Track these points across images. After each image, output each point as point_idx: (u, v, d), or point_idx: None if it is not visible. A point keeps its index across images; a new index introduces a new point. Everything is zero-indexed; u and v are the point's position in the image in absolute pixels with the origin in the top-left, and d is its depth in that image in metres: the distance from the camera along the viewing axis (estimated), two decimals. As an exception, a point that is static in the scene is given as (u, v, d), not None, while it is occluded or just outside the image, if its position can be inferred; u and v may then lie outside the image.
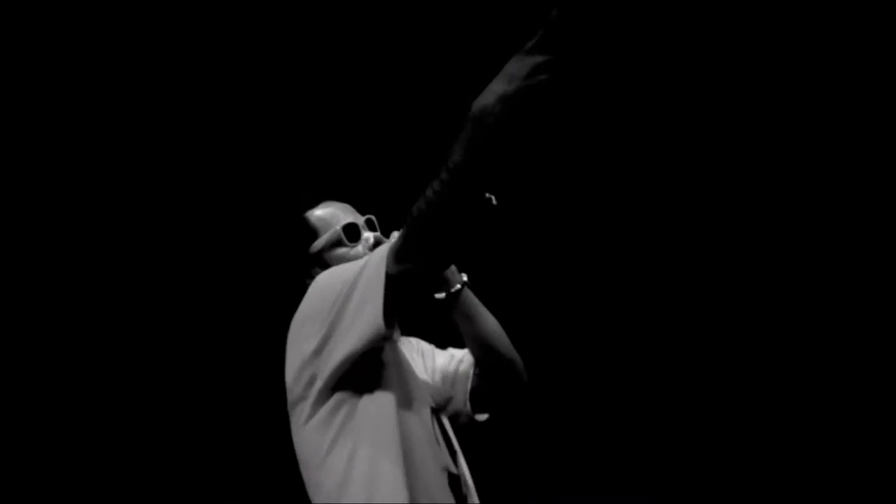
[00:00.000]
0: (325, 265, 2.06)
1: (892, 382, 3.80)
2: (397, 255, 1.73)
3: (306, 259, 2.10)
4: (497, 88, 1.57)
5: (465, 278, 2.09)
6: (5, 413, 3.73)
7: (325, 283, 1.88)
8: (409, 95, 3.97)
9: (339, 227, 2.09)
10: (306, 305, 1.88)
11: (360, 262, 1.84)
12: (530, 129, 1.65)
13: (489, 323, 2.09)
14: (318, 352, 1.80)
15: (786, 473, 3.87)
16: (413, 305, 1.87)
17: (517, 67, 1.56)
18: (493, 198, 1.82)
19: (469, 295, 2.08)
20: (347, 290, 1.78)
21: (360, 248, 2.07)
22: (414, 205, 1.70)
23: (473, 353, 2.11)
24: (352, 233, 2.09)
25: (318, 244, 2.08)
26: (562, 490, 3.95)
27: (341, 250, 2.08)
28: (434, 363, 2.19)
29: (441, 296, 2.06)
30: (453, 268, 2.05)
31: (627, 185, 4.13)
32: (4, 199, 3.72)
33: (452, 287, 2.06)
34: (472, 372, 2.13)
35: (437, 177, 1.65)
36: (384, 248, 1.78)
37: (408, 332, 2.26)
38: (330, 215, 2.13)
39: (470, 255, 1.91)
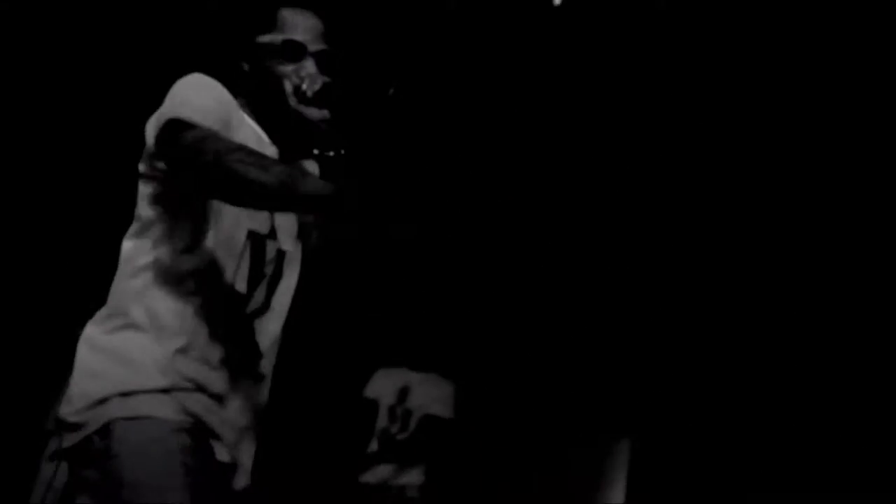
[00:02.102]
0: (257, 66, 1.98)
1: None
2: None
3: (249, 45, 1.99)
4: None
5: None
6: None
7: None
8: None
9: (285, 37, 1.97)
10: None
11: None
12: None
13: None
14: None
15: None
16: None
17: None
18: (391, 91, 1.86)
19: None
20: None
21: (294, 72, 1.97)
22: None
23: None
24: (294, 51, 1.97)
25: (264, 38, 1.98)
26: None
27: (276, 63, 1.97)
28: None
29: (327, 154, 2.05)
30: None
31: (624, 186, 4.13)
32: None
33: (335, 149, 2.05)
34: None
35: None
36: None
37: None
38: (295, 22, 1.99)
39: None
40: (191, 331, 1.83)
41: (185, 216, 1.87)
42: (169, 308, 1.83)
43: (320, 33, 2.00)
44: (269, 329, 1.99)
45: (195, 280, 1.85)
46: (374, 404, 4.56)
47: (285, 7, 2.01)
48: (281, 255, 2.00)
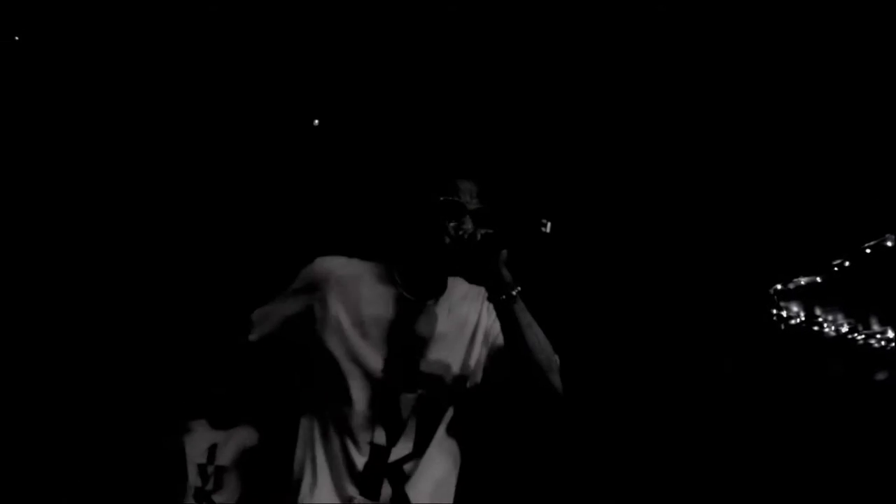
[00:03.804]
0: (423, 219, 2.18)
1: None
2: None
3: (420, 203, 2.19)
4: None
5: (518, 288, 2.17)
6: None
7: None
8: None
9: (447, 197, 2.17)
10: None
11: None
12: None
13: (532, 331, 2.16)
14: None
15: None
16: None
17: None
18: (547, 224, 1.96)
19: (520, 303, 2.15)
20: None
21: (455, 227, 2.17)
22: None
23: (511, 357, 2.17)
24: (455, 210, 2.20)
25: (432, 197, 2.19)
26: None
27: (440, 219, 2.18)
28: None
29: (503, 298, 2.13)
30: (510, 276, 2.14)
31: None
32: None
33: (508, 292, 2.13)
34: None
35: None
36: None
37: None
38: (456, 185, 2.20)
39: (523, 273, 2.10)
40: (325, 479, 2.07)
41: (320, 378, 2.13)
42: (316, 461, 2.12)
43: (477, 195, 2.22)
44: (426, 472, 2.15)
45: (331, 432, 2.11)
46: (182, 463, 4.56)
47: (452, 172, 2.22)
48: (423, 402, 2.16)
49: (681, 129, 4.11)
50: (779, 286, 5.08)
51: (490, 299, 2.12)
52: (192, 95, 3.90)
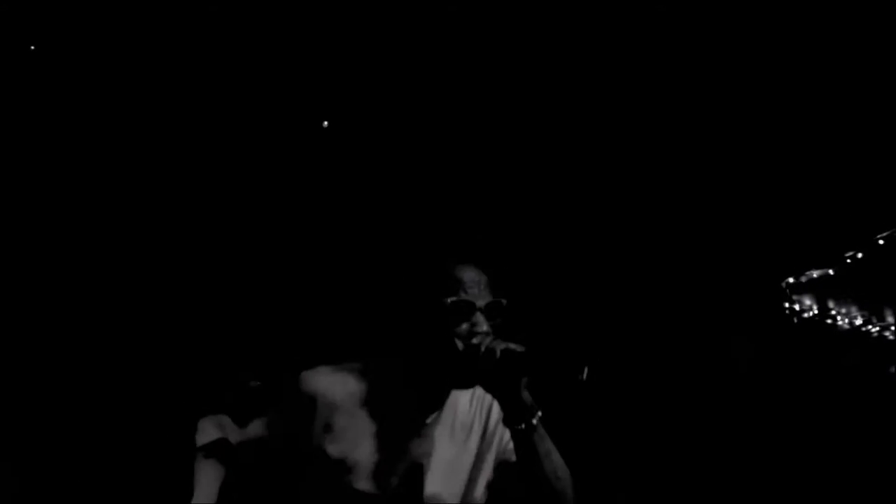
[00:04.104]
0: (432, 324, 1.92)
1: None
2: None
3: (424, 305, 1.93)
4: None
5: (539, 414, 1.94)
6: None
7: None
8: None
9: (454, 298, 1.92)
10: None
11: None
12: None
13: (550, 460, 1.94)
14: None
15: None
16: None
17: None
18: (585, 370, 1.77)
19: (540, 430, 1.94)
20: None
21: (467, 331, 1.93)
22: None
23: (526, 483, 1.98)
24: (465, 309, 1.94)
25: (438, 298, 1.93)
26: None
27: (450, 322, 1.92)
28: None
29: (521, 427, 1.91)
30: (530, 399, 1.92)
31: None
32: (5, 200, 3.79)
33: (527, 420, 1.92)
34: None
35: None
36: None
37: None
38: (462, 278, 1.94)
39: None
40: None
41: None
42: None
43: (487, 284, 1.96)
44: None
45: None
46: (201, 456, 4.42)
47: (454, 264, 1.97)
48: None
49: (689, 127, 4.09)
50: (792, 279, 5.07)
51: (506, 424, 1.91)
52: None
